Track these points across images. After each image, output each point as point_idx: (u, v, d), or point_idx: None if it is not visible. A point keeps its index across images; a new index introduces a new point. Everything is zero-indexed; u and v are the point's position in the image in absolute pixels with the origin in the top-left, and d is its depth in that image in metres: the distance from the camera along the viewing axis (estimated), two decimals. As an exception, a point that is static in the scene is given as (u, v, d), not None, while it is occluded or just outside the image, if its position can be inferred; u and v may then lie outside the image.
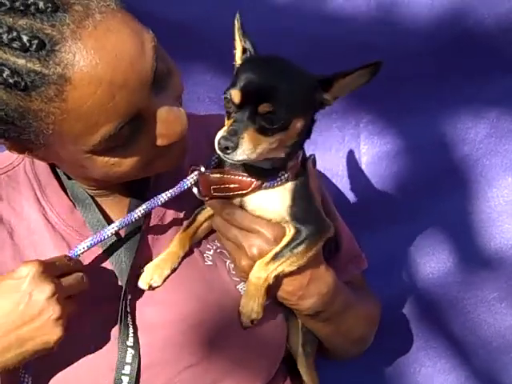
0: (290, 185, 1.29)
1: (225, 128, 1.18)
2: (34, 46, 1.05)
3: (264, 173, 1.27)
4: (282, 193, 1.28)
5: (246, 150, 1.17)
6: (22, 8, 1.06)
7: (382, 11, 1.71)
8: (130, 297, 1.28)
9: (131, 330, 1.26)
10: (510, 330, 1.89)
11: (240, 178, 1.27)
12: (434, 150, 1.85)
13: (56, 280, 1.17)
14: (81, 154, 1.17)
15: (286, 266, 1.27)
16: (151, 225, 1.37)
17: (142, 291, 1.31)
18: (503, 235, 1.84)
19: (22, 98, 1.09)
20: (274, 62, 1.23)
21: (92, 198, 1.35)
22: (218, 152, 1.18)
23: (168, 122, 1.19)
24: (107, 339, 1.27)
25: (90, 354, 1.25)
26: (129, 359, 1.24)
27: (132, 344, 1.25)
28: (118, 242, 1.33)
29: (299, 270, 1.30)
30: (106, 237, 1.29)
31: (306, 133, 1.28)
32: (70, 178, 1.35)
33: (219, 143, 1.17)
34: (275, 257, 1.26)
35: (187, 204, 1.38)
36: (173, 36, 1.68)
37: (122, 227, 1.31)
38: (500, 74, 1.78)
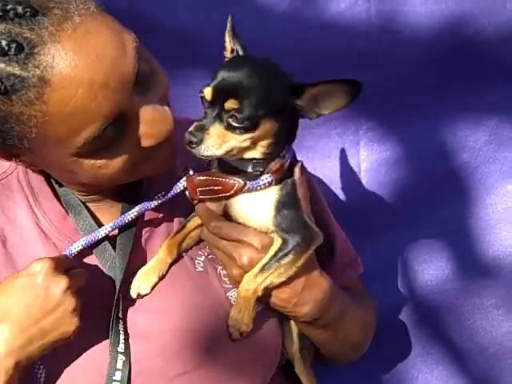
0: (272, 194, 1.27)
1: (194, 123, 1.19)
2: (13, 50, 1.06)
3: (248, 176, 1.26)
4: (264, 203, 1.27)
5: (210, 145, 1.17)
6: (0, 14, 1.07)
7: (382, 19, 1.72)
8: (121, 303, 1.28)
9: (122, 337, 1.26)
10: (506, 337, 1.89)
11: (223, 179, 1.27)
12: (433, 157, 1.85)
13: (67, 274, 1.20)
14: (67, 157, 1.18)
15: (273, 277, 1.26)
16: (144, 230, 1.38)
17: (135, 298, 1.31)
18: (501, 242, 1.85)
19: (3, 102, 1.09)
20: (252, 62, 1.22)
21: (84, 203, 1.36)
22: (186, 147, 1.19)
23: (153, 122, 1.19)
24: (99, 345, 1.27)
25: (82, 359, 1.26)
26: (119, 365, 1.25)
27: (123, 350, 1.25)
28: (112, 247, 1.33)
29: (291, 278, 1.29)
30: (100, 237, 1.30)
31: (286, 135, 1.26)
32: (62, 186, 1.35)
33: (185, 137, 1.18)
34: (263, 268, 1.25)
35: (180, 209, 1.38)
36: (176, 44, 1.72)
37: (116, 228, 1.32)
38: (500, 83, 1.79)
